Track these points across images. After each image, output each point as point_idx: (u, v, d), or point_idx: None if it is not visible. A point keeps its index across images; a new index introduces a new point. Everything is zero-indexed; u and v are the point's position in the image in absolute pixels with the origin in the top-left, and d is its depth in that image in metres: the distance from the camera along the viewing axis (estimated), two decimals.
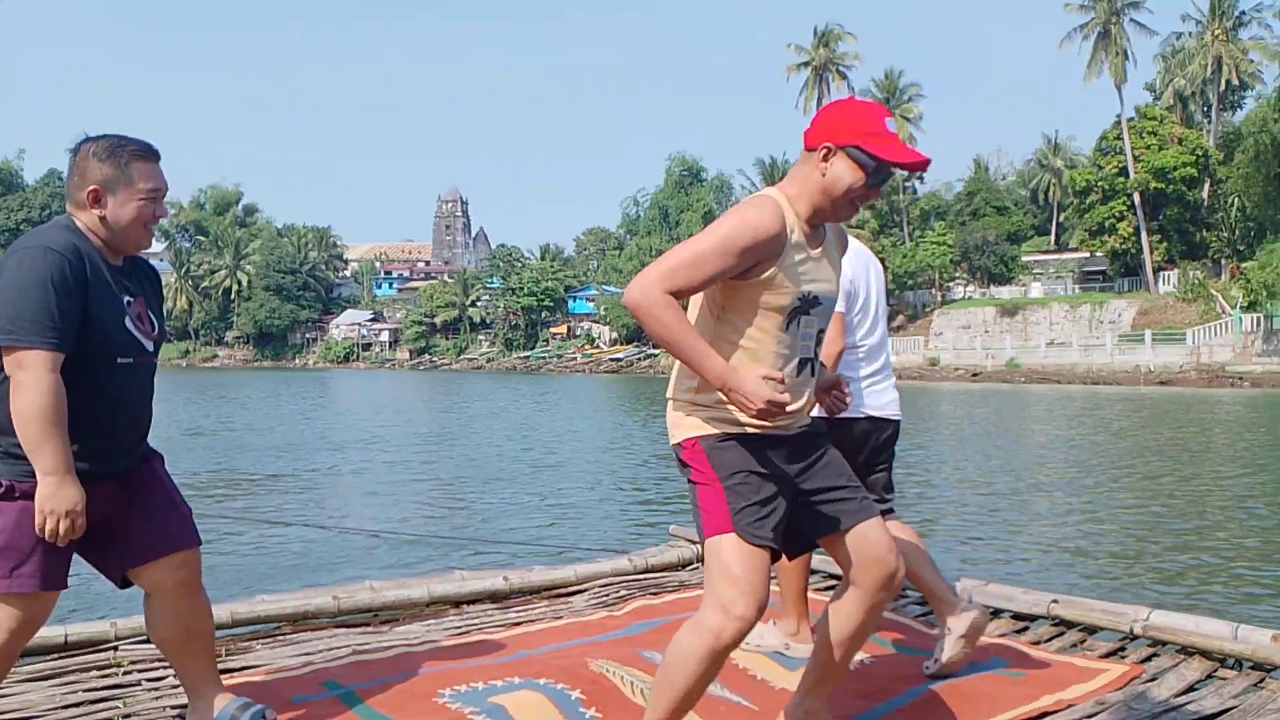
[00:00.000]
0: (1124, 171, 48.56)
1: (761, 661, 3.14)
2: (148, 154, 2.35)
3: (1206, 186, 49.13)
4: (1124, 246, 49.59)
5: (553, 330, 79.04)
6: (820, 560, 3.81)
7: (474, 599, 3.91)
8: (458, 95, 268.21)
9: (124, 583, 2.45)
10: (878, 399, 3.27)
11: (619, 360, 63.69)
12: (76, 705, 2.71)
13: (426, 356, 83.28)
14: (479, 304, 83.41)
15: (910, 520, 8.72)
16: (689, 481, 2.22)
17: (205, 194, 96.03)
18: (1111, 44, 49.98)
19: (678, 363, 2.19)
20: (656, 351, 58.62)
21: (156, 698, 2.77)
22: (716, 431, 2.17)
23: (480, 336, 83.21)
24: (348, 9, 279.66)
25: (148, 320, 2.40)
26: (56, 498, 2.13)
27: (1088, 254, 54.32)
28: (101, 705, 2.72)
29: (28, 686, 2.81)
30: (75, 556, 2.34)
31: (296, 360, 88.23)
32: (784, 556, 2.31)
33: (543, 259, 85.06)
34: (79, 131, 2.38)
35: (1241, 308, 39.85)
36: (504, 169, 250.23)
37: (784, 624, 3.33)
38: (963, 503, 9.85)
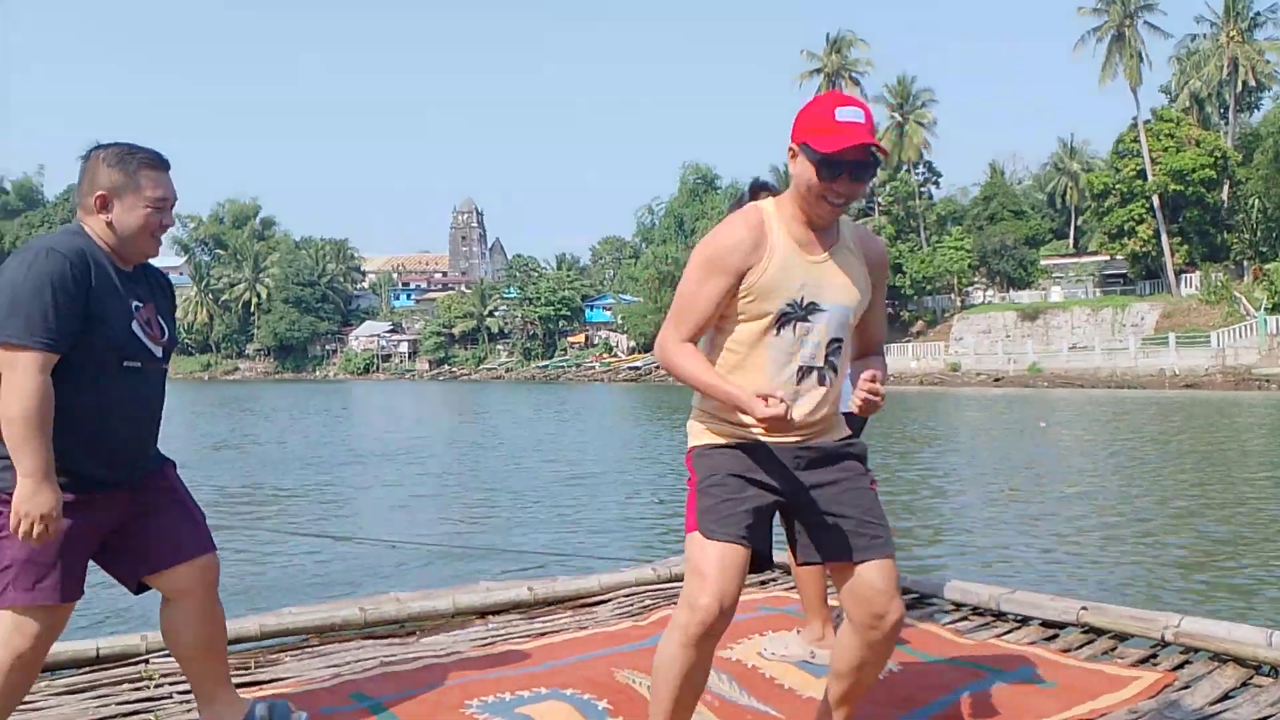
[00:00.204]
0: (1142, 174, 48.19)
1: (787, 670, 3.13)
2: (157, 163, 2.37)
3: (1226, 188, 48.69)
4: (1144, 249, 49.18)
5: (570, 339, 79.17)
6: None
7: (499, 609, 3.91)
8: (472, 106, 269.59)
9: (140, 588, 2.47)
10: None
11: (637, 369, 63.67)
12: (109, 719, 2.73)
13: (446, 367, 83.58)
14: (496, 314, 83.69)
15: (935, 527, 8.70)
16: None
17: (224, 208, 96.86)
18: (1126, 47, 49.66)
19: None
20: None
21: (188, 710, 2.79)
22: (715, 440, 2.26)
23: (498, 346, 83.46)
24: (364, 23, 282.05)
25: (157, 326, 2.41)
26: (34, 500, 2.12)
27: (1107, 257, 53.90)
28: (133, 718, 2.74)
29: (60, 700, 2.84)
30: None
31: (317, 372, 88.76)
32: (795, 563, 2.34)
33: (559, 268, 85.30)
34: (94, 143, 2.40)
35: (1266, 309, 39.44)
36: (519, 179, 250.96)
37: (808, 630, 3.32)
38: (989, 509, 9.79)
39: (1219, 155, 47.38)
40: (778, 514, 2.30)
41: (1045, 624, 3.63)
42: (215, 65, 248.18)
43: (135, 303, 2.36)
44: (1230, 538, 8.05)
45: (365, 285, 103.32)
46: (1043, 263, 56.81)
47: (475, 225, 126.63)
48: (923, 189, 60.16)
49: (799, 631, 3.34)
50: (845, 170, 2.11)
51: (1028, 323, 50.17)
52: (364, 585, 6.24)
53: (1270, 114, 46.19)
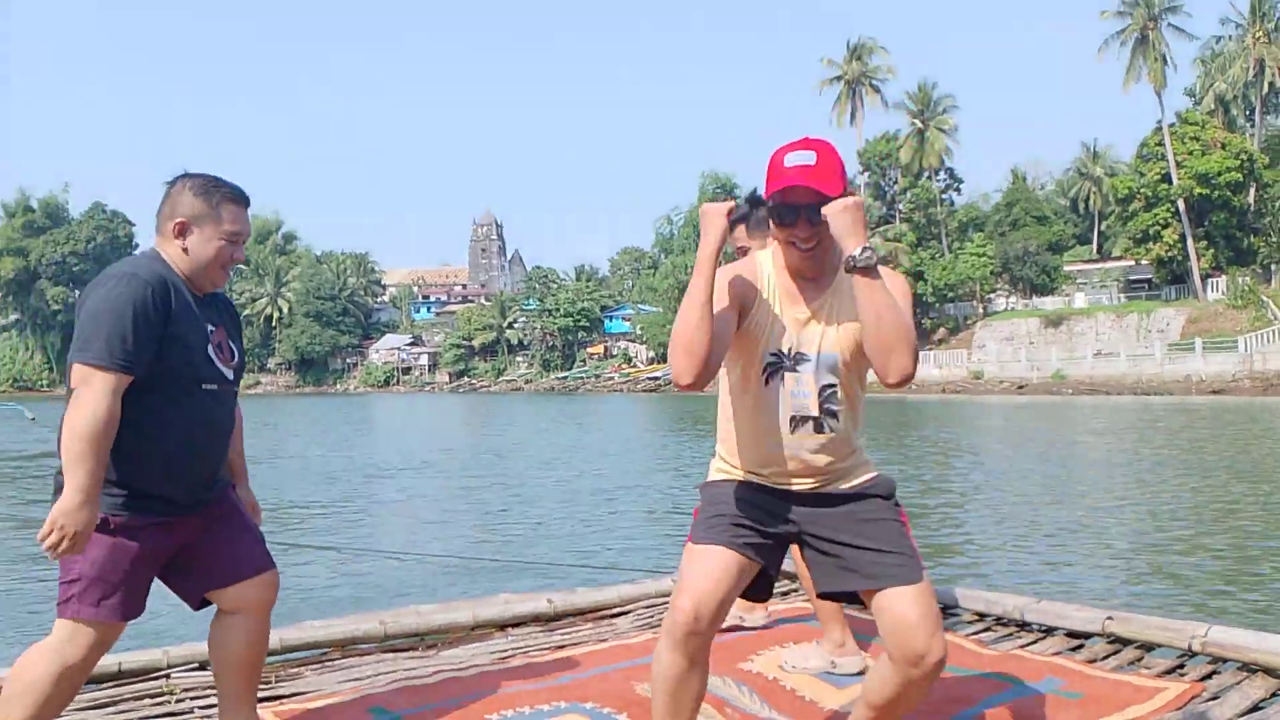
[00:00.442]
0: (1166, 178, 47.75)
1: (809, 682, 3.10)
2: (239, 199, 2.44)
3: (1252, 191, 48.16)
4: (1169, 254, 48.66)
5: (589, 350, 79.30)
6: None
7: (519, 622, 3.90)
8: (491, 119, 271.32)
9: (201, 604, 2.51)
10: None
11: (656, 379, 63.66)
12: None
13: (465, 379, 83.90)
14: (516, 326, 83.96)
15: (961, 536, 8.62)
16: None
17: None
18: (1150, 49, 49.29)
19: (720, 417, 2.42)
20: None
21: None
22: (726, 477, 2.33)
23: (518, 358, 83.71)
24: (383, 38, 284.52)
25: (228, 349, 2.47)
26: (73, 516, 2.14)
27: (1132, 262, 53.44)
28: None
29: (83, 715, 2.85)
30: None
31: (338, 385, 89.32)
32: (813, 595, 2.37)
33: (578, 280, 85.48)
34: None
35: None
36: (538, 191, 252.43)
37: (827, 640, 3.28)
38: (1014, 518, 9.69)
39: (1245, 158, 46.87)
40: (794, 550, 2.33)
41: (1070, 634, 3.58)
42: (238, 82, 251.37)
43: (210, 326, 2.42)
44: (1259, 545, 7.93)
45: (385, 298, 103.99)
46: (1066, 268, 56.38)
47: (495, 237, 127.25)
48: (944, 195, 59.87)
49: (817, 643, 3.31)
50: (799, 214, 2.10)
51: (1051, 329, 49.77)
52: (384, 598, 6.25)
53: None
